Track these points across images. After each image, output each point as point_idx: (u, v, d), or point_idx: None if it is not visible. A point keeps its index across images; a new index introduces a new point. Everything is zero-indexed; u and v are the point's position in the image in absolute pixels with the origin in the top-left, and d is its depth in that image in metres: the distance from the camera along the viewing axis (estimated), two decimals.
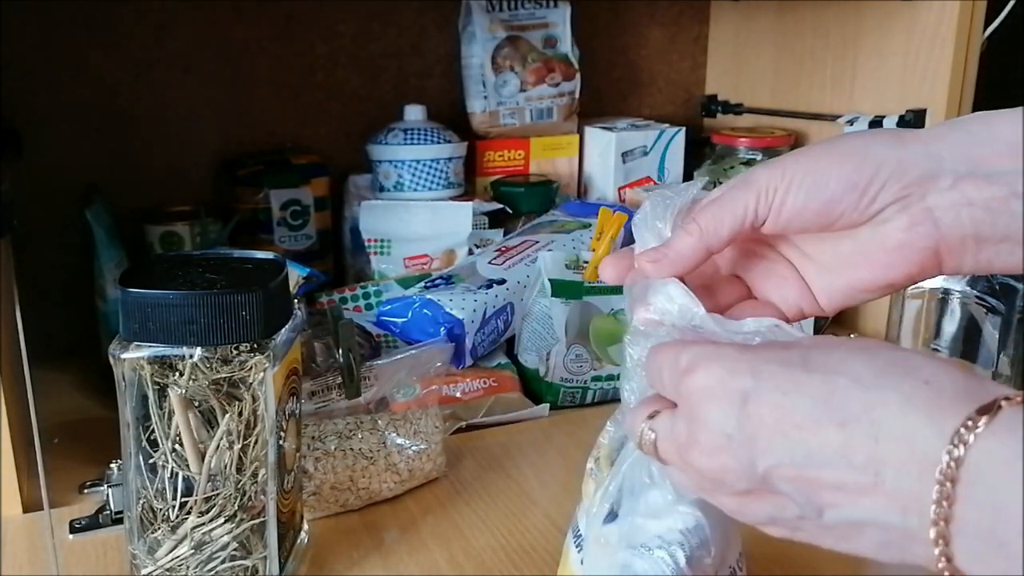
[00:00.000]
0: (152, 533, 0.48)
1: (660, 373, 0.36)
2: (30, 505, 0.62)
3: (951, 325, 0.71)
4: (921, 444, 0.28)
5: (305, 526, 0.56)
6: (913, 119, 0.89)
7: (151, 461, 0.47)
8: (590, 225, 0.88)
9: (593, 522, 0.43)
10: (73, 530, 0.59)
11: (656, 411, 0.36)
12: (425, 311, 0.77)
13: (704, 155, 1.08)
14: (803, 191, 0.38)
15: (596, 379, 0.78)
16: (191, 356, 0.45)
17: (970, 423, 0.28)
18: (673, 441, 0.35)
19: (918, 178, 0.37)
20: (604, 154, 1.04)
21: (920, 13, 0.88)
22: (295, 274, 0.78)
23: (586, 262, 0.81)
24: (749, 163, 1.02)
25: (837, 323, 0.97)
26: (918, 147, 0.37)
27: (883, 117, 0.92)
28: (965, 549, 0.28)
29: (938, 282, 0.71)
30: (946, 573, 0.28)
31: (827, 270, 0.41)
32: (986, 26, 0.86)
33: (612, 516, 0.42)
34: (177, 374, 0.45)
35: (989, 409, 0.28)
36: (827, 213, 0.38)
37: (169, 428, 0.46)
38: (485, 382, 0.77)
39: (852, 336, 0.39)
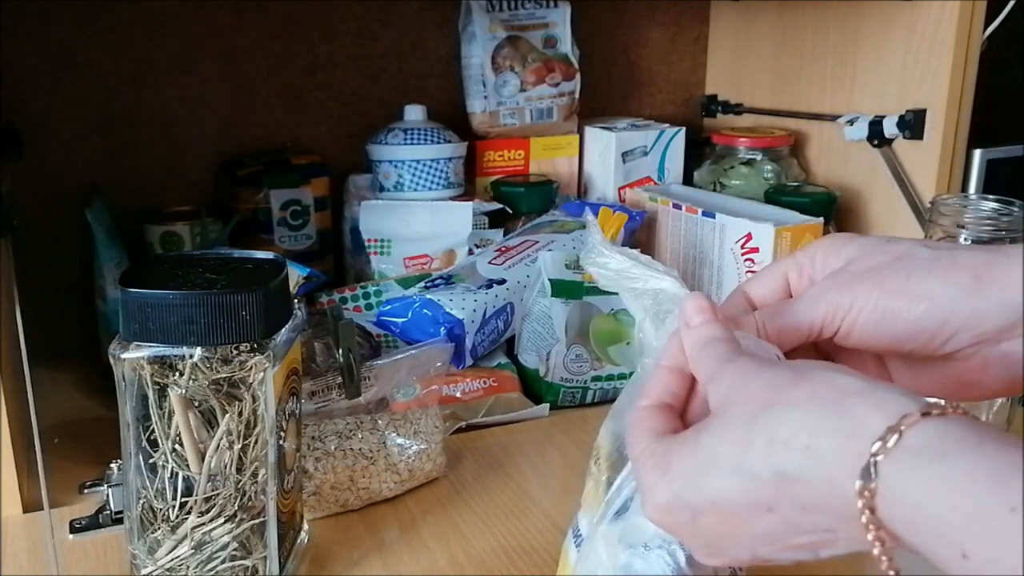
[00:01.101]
0: (152, 533, 0.48)
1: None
2: (30, 505, 0.62)
3: None
4: (840, 507, 0.30)
5: (305, 526, 0.56)
6: (913, 119, 0.89)
7: (151, 461, 0.47)
8: None
9: (593, 522, 0.43)
10: (73, 530, 0.59)
11: None
12: (425, 311, 0.77)
13: (704, 155, 1.08)
14: (869, 326, 0.38)
15: (596, 379, 0.78)
16: (191, 356, 0.45)
17: (862, 484, 0.29)
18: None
19: (992, 329, 0.36)
20: (604, 154, 1.04)
21: (920, 13, 0.88)
22: (295, 274, 0.78)
23: None
24: (749, 163, 1.02)
25: None
26: (994, 295, 0.36)
27: (883, 117, 0.92)
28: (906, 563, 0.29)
29: None
30: None
31: (910, 368, 0.41)
32: (986, 26, 0.86)
33: (614, 516, 0.42)
34: (177, 374, 0.45)
35: (867, 471, 0.29)
36: (896, 347, 0.38)
37: (169, 428, 0.46)
38: (485, 382, 0.77)
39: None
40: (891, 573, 0.29)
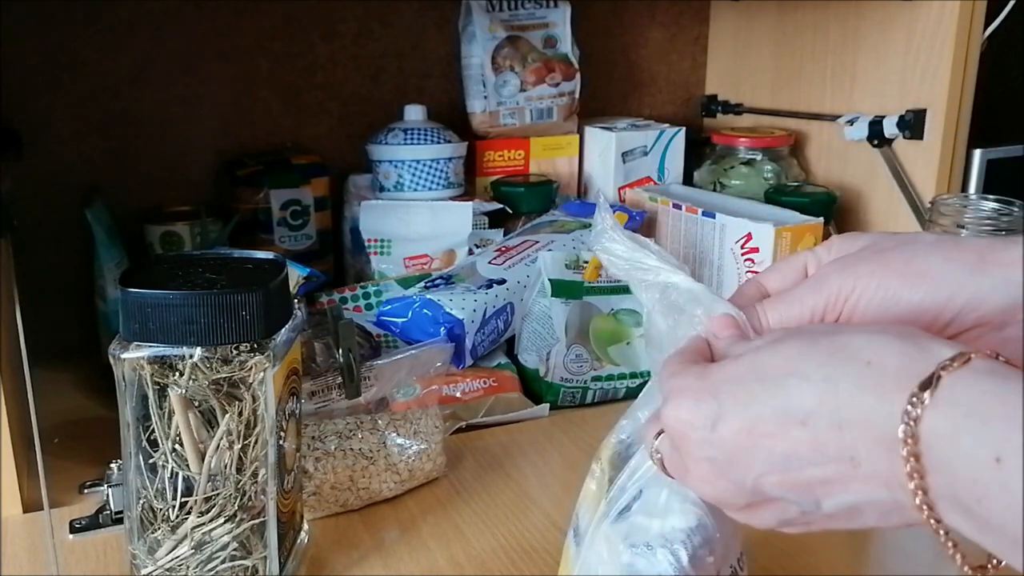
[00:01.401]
0: (152, 533, 0.48)
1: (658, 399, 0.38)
2: (30, 505, 0.62)
3: None
4: (880, 425, 0.30)
5: (305, 526, 0.56)
6: (913, 119, 0.89)
7: (151, 461, 0.47)
8: (590, 225, 0.88)
9: (594, 521, 0.43)
10: (73, 530, 0.59)
11: (661, 431, 0.37)
12: (425, 311, 0.77)
13: (704, 155, 1.08)
14: (871, 309, 0.37)
15: (596, 379, 0.78)
16: (191, 356, 0.45)
17: (915, 399, 0.29)
18: (673, 466, 0.37)
19: (995, 309, 0.36)
20: (604, 154, 1.04)
21: (920, 13, 0.88)
22: (295, 274, 0.78)
23: (586, 262, 0.81)
24: (749, 163, 1.02)
25: None
26: (999, 273, 0.36)
27: (883, 117, 0.92)
28: (948, 510, 0.29)
29: None
30: (942, 533, 0.30)
31: None
32: (986, 26, 0.86)
33: (617, 516, 0.42)
34: (177, 374, 0.45)
35: (929, 383, 0.29)
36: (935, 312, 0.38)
37: (169, 428, 0.46)
38: (485, 382, 0.77)
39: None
40: (921, 501, 0.29)
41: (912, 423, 0.29)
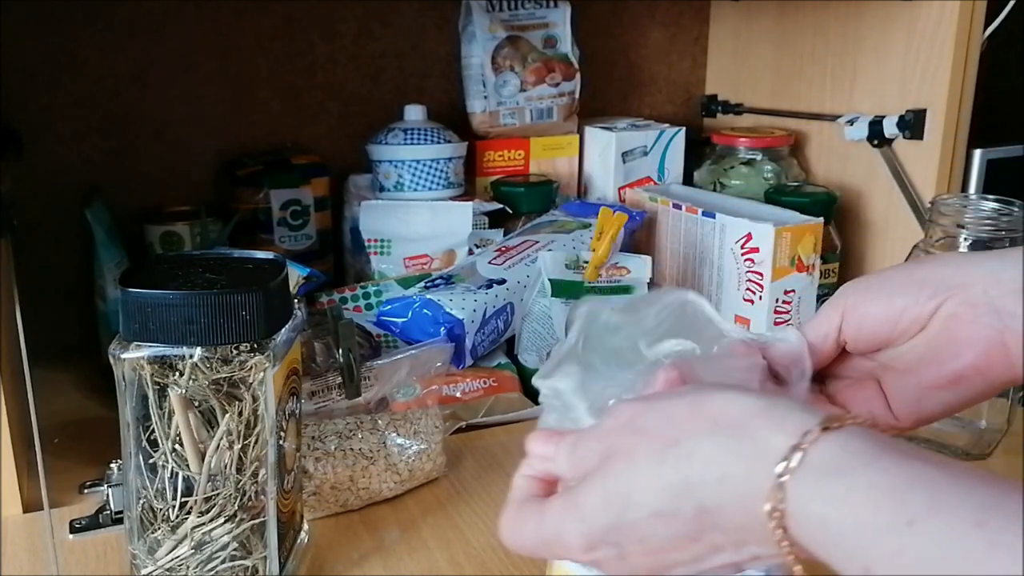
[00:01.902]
0: (152, 533, 0.48)
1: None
2: (30, 505, 0.62)
3: None
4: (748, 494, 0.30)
5: (305, 526, 0.56)
6: (913, 119, 0.89)
7: (151, 461, 0.47)
8: (590, 225, 0.88)
9: None
10: (73, 530, 0.59)
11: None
12: (425, 311, 0.77)
13: (704, 155, 1.08)
14: (854, 331, 0.41)
15: None
16: (191, 356, 0.45)
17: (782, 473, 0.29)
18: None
19: (980, 279, 0.38)
20: (604, 154, 1.04)
21: (920, 13, 0.88)
22: (295, 274, 0.78)
23: (586, 262, 0.81)
24: (749, 163, 1.02)
25: None
26: (993, 263, 0.39)
27: (883, 117, 0.92)
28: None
29: None
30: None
31: (901, 375, 0.42)
32: (986, 26, 0.86)
33: None
34: (177, 374, 0.45)
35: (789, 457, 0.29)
36: (890, 314, 0.40)
37: (169, 428, 0.46)
38: (485, 382, 0.77)
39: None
40: None
41: (781, 530, 0.29)
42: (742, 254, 0.85)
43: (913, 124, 0.89)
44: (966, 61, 0.86)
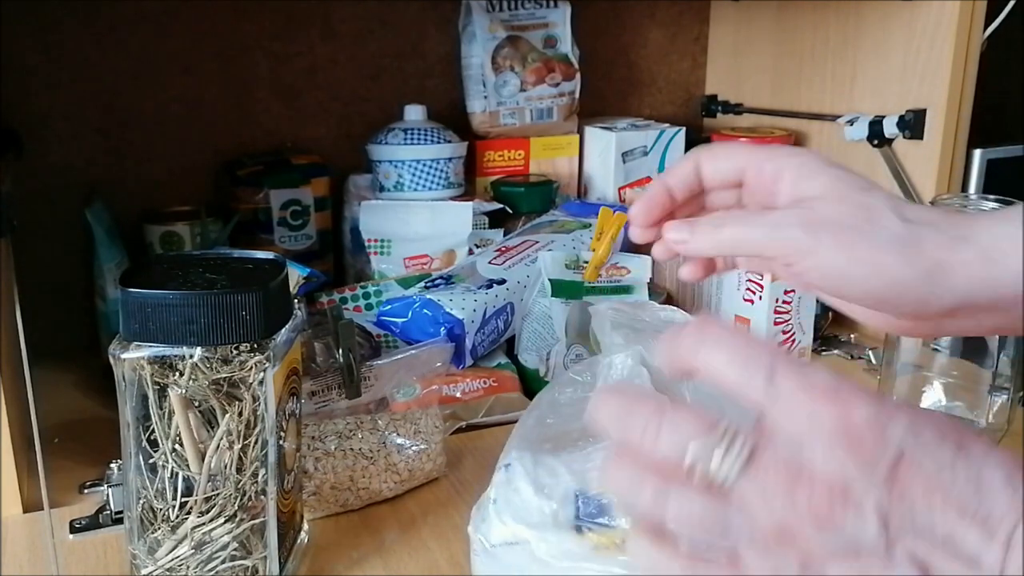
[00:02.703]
0: (152, 533, 0.48)
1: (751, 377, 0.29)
2: (30, 505, 0.62)
3: None
4: None
5: (305, 526, 0.56)
6: (913, 119, 0.89)
7: (151, 461, 0.47)
8: (590, 225, 0.88)
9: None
10: (73, 530, 0.59)
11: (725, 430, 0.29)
12: (425, 311, 0.77)
13: None
14: (822, 277, 0.40)
15: None
16: (191, 356, 0.45)
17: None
18: (770, 471, 0.28)
19: (936, 312, 0.39)
20: (604, 154, 1.04)
21: (920, 13, 0.88)
22: (295, 274, 0.78)
23: (586, 262, 0.81)
24: None
25: (837, 323, 0.97)
26: (946, 283, 0.37)
27: (883, 117, 0.92)
28: None
29: None
30: None
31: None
32: (986, 26, 0.86)
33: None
34: (177, 374, 0.45)
35: None
36: (842, 298, 0.41)
37: (169, 428, 0.46)
38: (485, 382, 0.77)
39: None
40: None
41: None
42: None
43: (913, 124, 0.89)
44: (966, 61, 0.86)
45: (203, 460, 0.46)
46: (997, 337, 0.69)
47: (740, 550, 0.28)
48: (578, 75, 1.02)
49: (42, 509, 0.58)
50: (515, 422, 0.75)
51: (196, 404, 0.46)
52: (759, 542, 0.27)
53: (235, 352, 0.46)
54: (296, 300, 0.52)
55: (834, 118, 0.99)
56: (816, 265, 0.39)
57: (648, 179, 1.05)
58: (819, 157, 0.42)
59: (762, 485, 0.28)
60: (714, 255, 0.43)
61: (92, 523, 0.59)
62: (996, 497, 0.26)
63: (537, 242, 0.86)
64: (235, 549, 0.48)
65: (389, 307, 0.79)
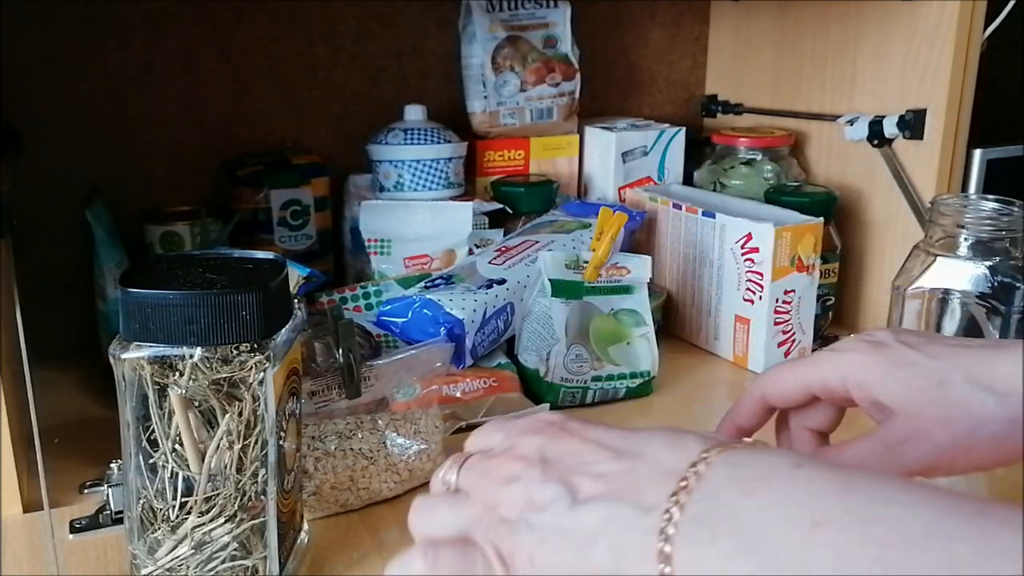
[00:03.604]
0: (152, 533, 0.48)
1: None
2: (30, 505, 0.62)
3: (951, 325, 0.71)
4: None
5: (305, 526, 0.56)
6: (913, 119, 0.89)
7: (151, 461, 0.47)
8: (590, 225, 0.88)
9: None
10: (73, 530, 0.59)
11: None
12: (425, 311, 0.77)
13: (704, 155, 1.08)
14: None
15: (596, 379, 0.78)
16: (191, 356, 0.45)
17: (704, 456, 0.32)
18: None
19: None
20: (604, 154, 1.04)
21: (920, 13, 0.88)
22: (296, 274, 0.78)
23: (586, 262, 0.81)
24: (749, 163, 1.02)
25: (837, 323, 0.97)
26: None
27: (883, 117, 0.92)
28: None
29: (939, 282, 0.71)
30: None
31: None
32: (986, 26, 0.86)
33: None
34: (177, 374, 0.45)
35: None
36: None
37: (169, 428, 0.46)
38: (485, 382, 0.77)
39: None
40: None
41: (701, 463, 0.31)
42: (742, 254, 0.85)
43: (913, 124, 0.89)
44: (966, 61, 0.86)
45: (203, 460, 0.46)
46: (997, 337, 0.69)
47: (470, 530, 0.37)
48: (578, 75, 1.03)
49: (42, 509, 0.59)
50: None
51: (196, 404, 0.46)
52: (478, 515, 0.36)
53: (235, 352, 0.46)
54: (296, 300, 0.52)
55: (834, 118, 0.99)
56: (947, 474, 0.41)
57: (648, 179, 1.05)
58: (864, 350, 0.44)
59: (466, 478, 0.38)
60: None
61: (92, 523, 0.59)
62: (647, 441, 0.34)
63: (537, 242, 0.86)
64: (235, 549, 0.48)
65: (389, 307, 0.79)
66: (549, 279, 0.79)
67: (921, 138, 0.89)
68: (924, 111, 0.89)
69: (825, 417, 0.47)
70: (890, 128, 0.91)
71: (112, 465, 0.59)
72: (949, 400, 0.39)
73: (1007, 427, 0.38)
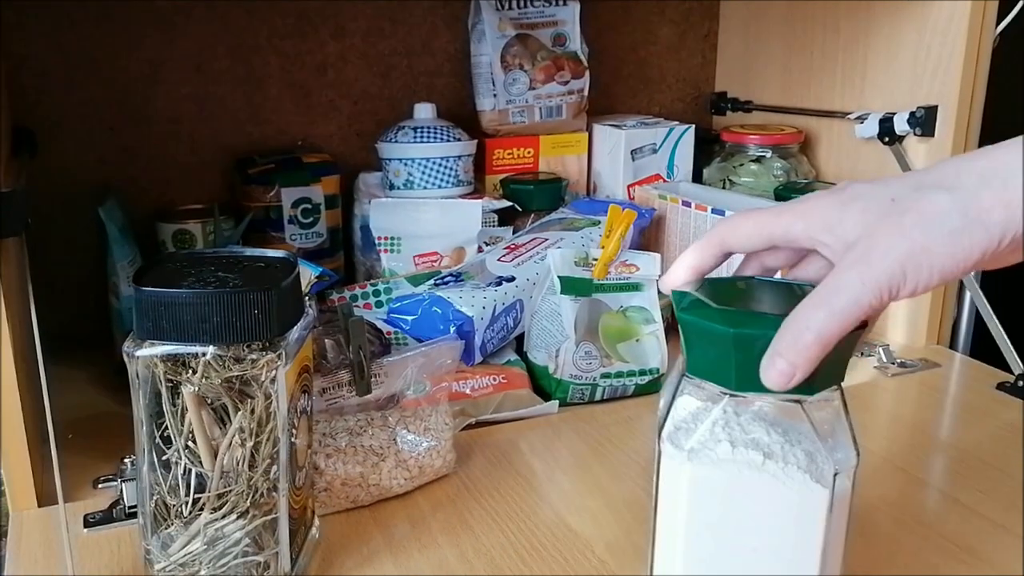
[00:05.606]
0: (165, 528, 0.48)
1: None
2: (45, 499, 0.62)
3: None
4: None
5: (316, 522, 0.57)
6: (924, 116, 0.89)
7: (164, 457, 0.47)
8: (599, 222, 0.89)
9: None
10: (87, 524, 0.60)
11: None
12: (435, 308, 0.77)
13: (713, 152, 1.07)
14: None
15: (605, 376, 0.78)
16: (204, 354, 0.45)
17: None
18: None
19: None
20: (613, 152, 1.04)
21: (931, 9, 0.87)
22: (308, 273, 0.78)
23: (595, 259, 0.81)
24: (759, 160, 1.02)
25: None
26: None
27: (894, 114, 0.92)
28: None
29: None
30: None
31: None
32: (998, 22, 0.86)
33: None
34: (190, 372, 0.46)
35: None
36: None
37: (182, 425, 0.47)
38: (495, 379, 0.77)
39: None
40: None
41: None
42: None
43: (924, 121, 0.89)
44: (978, 57, 0.85)
45: (216, 457, 0.47)
46: None
47: None
48: (587, 73, 1.03)
49: (56, 503, 0.59)
50: (524, 419, 0.75)
51: (209, 401, 0.47)
52: None
53: (247, 350, 0.46)
54: (307, 298, 0.52)
55: (844, 115, 0.98)
56: (916, 287, 0.40)
57: (657, 176, 1.05)
58: (823, 196, 0.44)
59: None
60: (819, 359, 0.43)
61: (106, 517, 0.60)
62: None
63: (546, 239, 0.87)
64: (247, 545, 0.48)
65: (399, 304, 0.79)
66: (558, 276, 0.79)
67: (932, 135, 0.89)
68: (935, 108, 0.88)
69: (785, 258, 0.48)
70: (901, 125, 0.91)
71: (126, 461, 0.60)
72: (901, 209, 0.40)
73: (961, 221, 0.38)
